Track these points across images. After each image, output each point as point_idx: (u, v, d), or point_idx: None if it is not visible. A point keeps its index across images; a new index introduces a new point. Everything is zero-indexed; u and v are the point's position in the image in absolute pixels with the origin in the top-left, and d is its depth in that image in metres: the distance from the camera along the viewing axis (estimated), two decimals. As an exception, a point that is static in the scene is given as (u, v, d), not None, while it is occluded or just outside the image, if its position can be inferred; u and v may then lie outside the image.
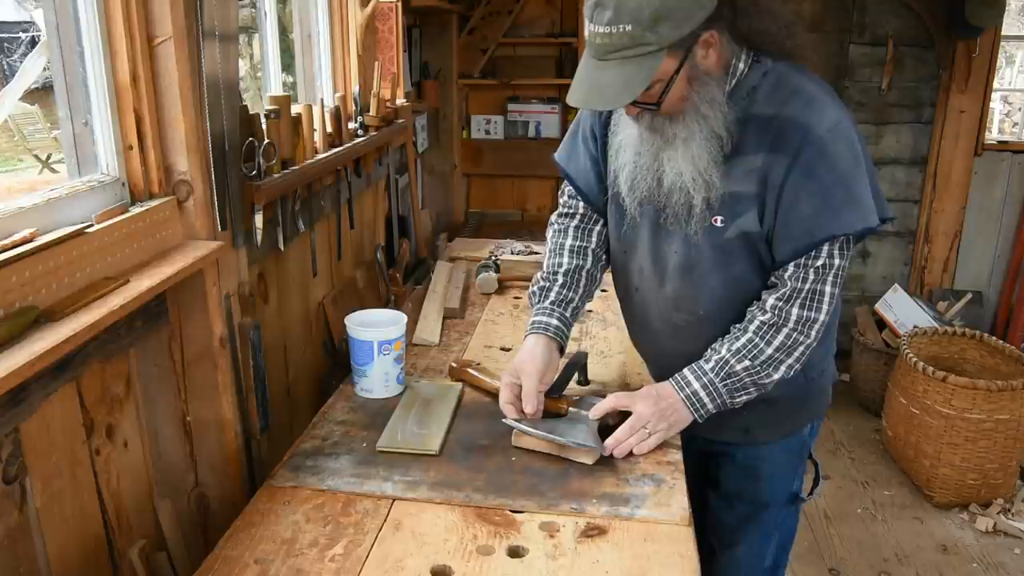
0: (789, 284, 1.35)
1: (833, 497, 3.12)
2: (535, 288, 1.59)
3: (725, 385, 1.39)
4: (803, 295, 1.35)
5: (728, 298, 1.42)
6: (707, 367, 1.40)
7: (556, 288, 1.55)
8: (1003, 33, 3.99)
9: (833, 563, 2.73)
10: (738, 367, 1.37)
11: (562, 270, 1.57)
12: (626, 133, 1.40)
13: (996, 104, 4.94)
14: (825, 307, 1.36)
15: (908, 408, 3.17)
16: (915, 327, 3.52)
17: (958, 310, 4.01)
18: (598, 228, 1.62)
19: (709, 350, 1.42)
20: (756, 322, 1.38)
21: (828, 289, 1.35)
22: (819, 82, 1.34)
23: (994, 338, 3.33)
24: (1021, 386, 2.89)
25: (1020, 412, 2.92)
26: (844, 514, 3.01)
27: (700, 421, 1.42)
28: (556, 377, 1.55)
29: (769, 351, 1.37)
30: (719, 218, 1.35)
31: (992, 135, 4.53)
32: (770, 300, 1.37)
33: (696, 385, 1.40)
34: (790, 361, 1.38)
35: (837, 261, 1.34)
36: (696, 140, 1.29)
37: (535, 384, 1.42)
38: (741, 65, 1.32)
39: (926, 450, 3.07)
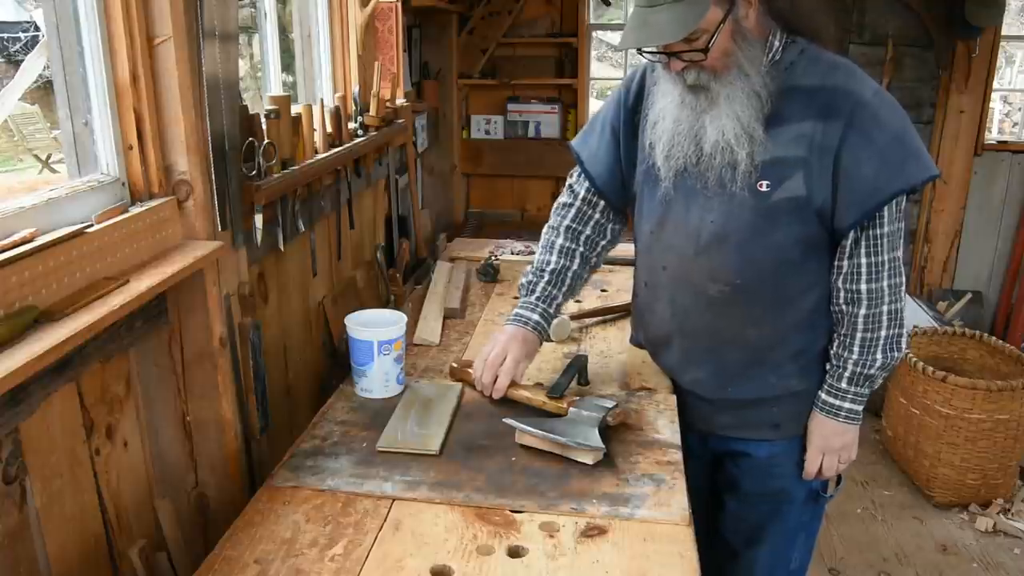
0: (866, 260, 1.40)
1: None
2: (524, 281, 1.68)
3: (866, 387, 1.49)
4: (886, 265, 1.41)
5: (766, 266, 1.44)
6: (843, 385, 1.48)
7: (542, 285, 1.64)
8: (1003, 33, 4.00)
9: (833, 563, 2.73)
10: (872, 370, 1.46)
11: (549, 268, 1.65)
12: (664, 102, 1.44)
13: (996, 104, 4.94)
14: (902, 269, 1.44)
15: (908, 408, 3.17)
16: (915, 327, 3.52)
17: (958, 310, 4.02)
18: (590, 227, 1.68)
19: (829, 366, 1.50)
20: (859, 319, 1.44)
21: (899, 254, 1.43)
22: (848, 60, 1.42)
23: (994, 338, 3.33)
24: (1021, 386, 2.89)
25: (1020, 412, 2.92)
26: (844, 514, 3.01)
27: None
28: (557, 377, 1.57)
29: (884, 333, 1.44)
30: (765, 183, 1.38)
31: (992, 135, 4.53)
32: (862, 287, 1.42)
33: (848, 405, 1.50)
34: (898, 330, 1.45)
35: (898, 225, 1.40)
36: (739, 96, 1.34)
37: (512, 367, 1.53)
38: (776, 42, 1.38)
39: (926, 450, 3.07)
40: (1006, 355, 3.22)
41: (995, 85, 4.13)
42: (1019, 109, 5.34)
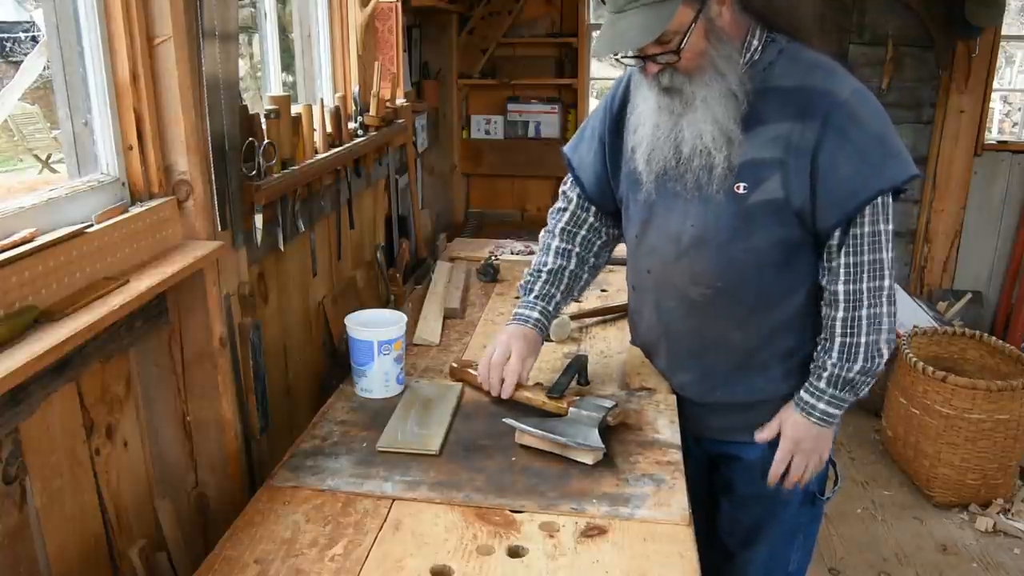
0: (845, 260, 1.37)
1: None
2: (522, 283, 1.70)
3: (847, 392, 1.44)
4: (866, 267, 1.37)
5: (746, 269, 1.42)
6: (822, 385, 1.44)
7: (539, 284, 1.65)
8: (1003, 33, 4.00)
9: (833, 563, 2.73)
10: (852, 374, 1.42)
11: (546, 269, 1.66)
12: (644, 107, 1.43)
13: (996, 104, 4.94)
14: (887, 273, 1.40)
15: (908, 408, 3.17)
16: (915, 327, 3.52)
17: (958, 310, 4.02)
18: (585, 229, 1.69)
19: (812, 367, 1.46)
20: (838, 323, 1.40)
21: (885, 256, 1.39)
22: (830, 59, 1.40)
23: (994, 338, 3.33)
24: (1021, 386, 2.89)
25: (1020, 412, 2.92)
26: (844, 514, 3.01)
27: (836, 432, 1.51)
28: (557, 377, 1.57)
29: (864, 340, 1.39)
30: (742, 184, 1.37)
31: (992, 135, 4.53)
32: (839, 288, 1.39)
33: (823, 406, 1.45)
34: (884, 336, 1.41)
35: (882, 226, 1.37)
36: (715, 98, 1.33)
37: (518, 365, 1.51)
38: (755, 42, 1.36)
39: (926, 450, 3.07)
40: (1006, 355, 3.22)
41: (995, 85, 4.13)
42: (1019, 109, 5.34)
